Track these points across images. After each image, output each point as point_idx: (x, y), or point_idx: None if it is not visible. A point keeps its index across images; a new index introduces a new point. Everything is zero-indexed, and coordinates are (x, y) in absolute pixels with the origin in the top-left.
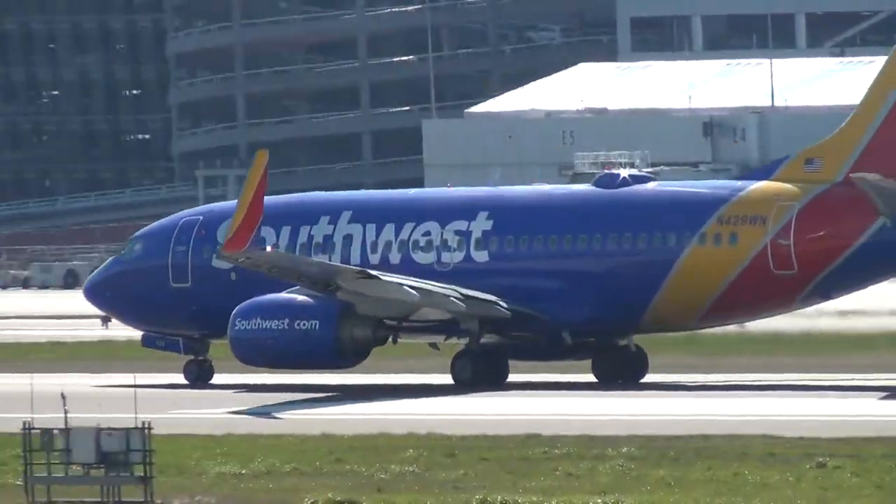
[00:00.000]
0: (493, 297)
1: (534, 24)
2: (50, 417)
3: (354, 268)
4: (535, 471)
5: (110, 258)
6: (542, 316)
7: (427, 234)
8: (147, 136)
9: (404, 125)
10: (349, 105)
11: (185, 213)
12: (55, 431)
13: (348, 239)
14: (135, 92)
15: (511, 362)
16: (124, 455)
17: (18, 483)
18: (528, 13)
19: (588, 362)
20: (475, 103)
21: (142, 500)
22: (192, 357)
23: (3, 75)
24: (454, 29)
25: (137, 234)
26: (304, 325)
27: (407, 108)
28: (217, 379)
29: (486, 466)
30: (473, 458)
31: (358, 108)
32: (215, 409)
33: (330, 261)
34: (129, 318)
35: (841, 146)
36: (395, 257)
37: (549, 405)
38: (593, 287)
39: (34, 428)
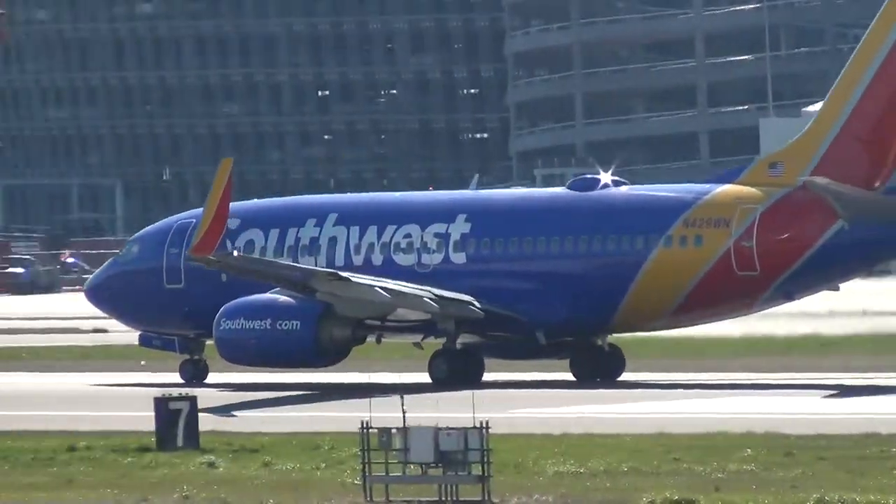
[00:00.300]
0: (467, 298)
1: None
2: (386, 416)
3: (326, 270)
4: (872, 470)
5: (109, 259)
6: (518, 316)
7: (408, 236)
8: (485, 135)
9: (742, 124)
10: (686, 104)
11: (179, 217)
12: (393, 431)
13: (333, 241)
14: (472, 91)
15: (491, 361)
16: (462, 454)
17: (356, 482)
18: (865, 12)
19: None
20: (813, 102)
21: (479, 499)
22: (187, 356)
23: (341, 75)
24: (791, 28)
25: (135, 236)
26: (285, 325)
27: (744, 107)
28: (211, 378)
29: (823, 466)
30: (811, 457)
31: (695, 107)
32: (553, 409)
33: (315, 263)
34: (127, 319)
35: (802, 151)
36: (377, 259)
37: (888, 404)
38: (566, 288)
39: (372, 427)
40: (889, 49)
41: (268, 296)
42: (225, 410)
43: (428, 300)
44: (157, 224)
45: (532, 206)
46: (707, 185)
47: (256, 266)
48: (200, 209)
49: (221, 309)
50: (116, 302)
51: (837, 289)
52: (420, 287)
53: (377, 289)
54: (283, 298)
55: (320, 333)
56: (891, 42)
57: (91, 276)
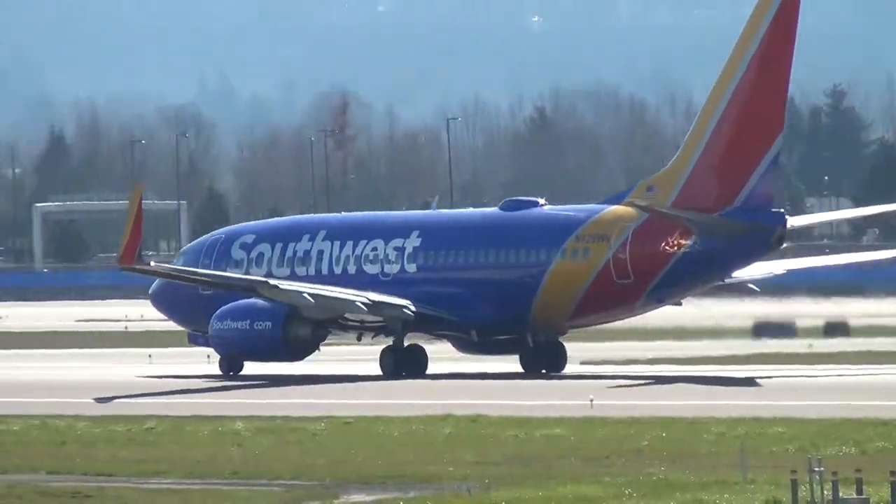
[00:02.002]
0: (402, 302)
1: None
2: None
3: (250, 277)
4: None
5: None
6: (453, 318)
7: (375, 249)
8: None
9: None
10: None
11: (213, 233)
12: None
13: (321, 254)
14: None
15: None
16: None
17: None
18: None
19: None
20: None
21: None
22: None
23: None
24: None
25: (182, 249)
26: (260, 325)
27: None
28: (246, 370)
29: None
30: None
31: None
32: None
33: (307, 272)
34: (178, 320)
35: (671, 176)
36: (352, 269)
37: None
38: (488, 293)
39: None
40: (737, 84)
41: (250, 301)
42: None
43: (359, 304)
44: (199, 239)
45: (467, 223)
46: (599, 206)
47: (182, 274)
48: (230, 227)
49: (216, 312)
50: (169, 306)
51: (680, 303)
52: (357, 293)
53: (304, 294)
54: (260, 302)
55: (287, 332)
56: (738, 78)
57: (153, 285)
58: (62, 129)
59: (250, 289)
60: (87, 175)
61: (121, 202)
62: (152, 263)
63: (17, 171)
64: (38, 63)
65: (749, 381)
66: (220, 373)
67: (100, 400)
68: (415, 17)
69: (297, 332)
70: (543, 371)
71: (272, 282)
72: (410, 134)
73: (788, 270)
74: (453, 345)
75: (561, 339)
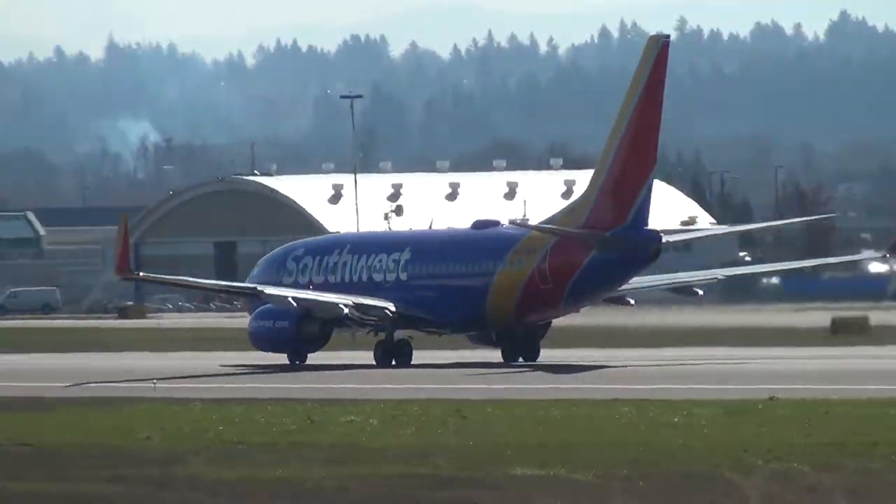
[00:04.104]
0: (383, 304)
1: None
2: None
3: (239, 284)
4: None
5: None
6: (430, 317)
7: (381, 261)
8: None
9: None
10: None
11: (278, 248)
12: None
13: (345, 265)
14: None
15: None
16: None
17: None
18: None
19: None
20: None
21: None
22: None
23: None
24: None
25: (259, 261)
26: (280, 324)
27: None
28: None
29: None
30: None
31: None
32: None
33: (335, 280)
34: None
35: (585, 199)
36: (364, 276)
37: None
38: (454, 296)
39: None
40: (626, 125)
41: (273, 304)
42: None
43: (342, 305)
44: (271, 252)
45: (445, 240)
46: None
47: (176, 282)
48: (289, 244)
49: (253, 314)
50: (253, 307)
51: (577, 311)
52: (342, 296)
53: (289, 298)
54: (281, 306)
55: (300, 329)
56: (626, 119)
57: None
58: None
59: (255, 293)
60: None
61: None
62: (141, 274)
63: None
64: None
65: None
66: (287, 363)
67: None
68: None
69: (307, 329)
70: (521, 360)
71: (259, 287)
72: None
73: (728, 276)
74: (469, 339)
75: (536, 334)
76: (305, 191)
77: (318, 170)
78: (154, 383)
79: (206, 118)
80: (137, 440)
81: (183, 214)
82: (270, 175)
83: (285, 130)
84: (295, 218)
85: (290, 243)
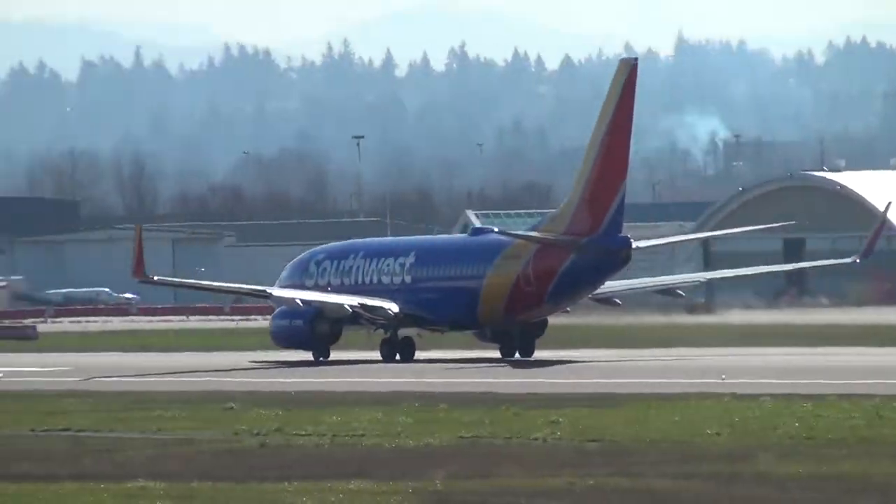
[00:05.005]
0: (385, 304)
1: None
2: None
3: (249, 287)
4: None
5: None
6: (430, 316)
7: (388, 265)
8: None
9: None
10: None
11: (304, 253)
12: None
13: (359, 268)
14: None
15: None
16: None
17: None
18: None
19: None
20: None
21: None
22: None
23: None
24: None
25: (287, 264)
26: (296, 323)
27: None
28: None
29: None
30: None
31: None
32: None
33: (350, 282)
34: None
35: (567, 207)
36: (375, 279)
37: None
38: (451, 297)
39: None
40: (600, 141)
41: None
42: None
43: (346, 305)
44: (298, 256)
45: (444, 246)
46: (525, 232)
47: (187, 285)
48: (312, 249)
49: (273, 313)
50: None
51: (567, 310)
52: (348, 297)
53: (296, 300)
54: (296, 307)
55: (313, 328)
56: (601, 135)
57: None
58: None
59: (264, 295)
60: None
61: None
62: (155, 277)
63: None
64: None
65: None
66: (311, 359)
67: None
68: None
69: (320, 327)
70: (518, 356)
71: (268, 289)
72: None
73: (711, 279)
74: (475, 336)
75: (532, 333)
76: (874, 187)
77: (885, 165)
78: (722, 378)
79: (775, 114)
80: (706, 436)
81: (751, 211)
82: (839, 171)
83: (854, 126)
84: (863, 214)
85: (313, 248)
